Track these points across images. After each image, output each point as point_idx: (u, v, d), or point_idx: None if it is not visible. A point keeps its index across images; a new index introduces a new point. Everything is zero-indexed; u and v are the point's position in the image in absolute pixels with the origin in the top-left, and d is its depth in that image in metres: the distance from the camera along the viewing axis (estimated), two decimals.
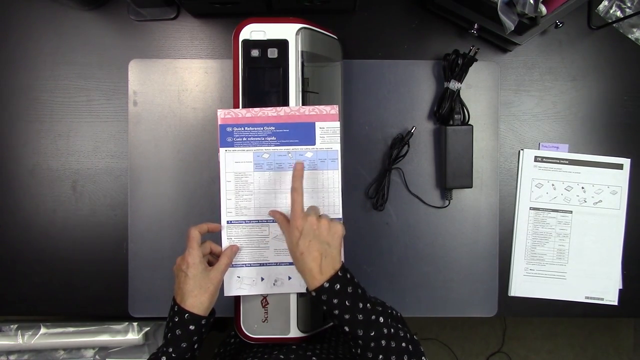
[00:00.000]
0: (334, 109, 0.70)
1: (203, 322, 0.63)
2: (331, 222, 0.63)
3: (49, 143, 0.84)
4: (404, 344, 0.60)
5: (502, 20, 0.71)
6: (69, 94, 0.84)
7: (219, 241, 0.70)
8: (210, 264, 0.67)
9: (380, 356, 0.58)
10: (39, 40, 0.84)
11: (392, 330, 0.60)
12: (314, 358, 0.67)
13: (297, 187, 0.64)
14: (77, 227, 0.84)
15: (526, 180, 0.85)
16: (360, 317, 0.59)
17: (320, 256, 0.60)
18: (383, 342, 0.59)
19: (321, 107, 0.70)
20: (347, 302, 0.60)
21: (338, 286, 0.60)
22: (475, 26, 0.79)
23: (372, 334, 0.59)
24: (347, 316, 0.59)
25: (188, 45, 0.84)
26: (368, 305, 0.61)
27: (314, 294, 0.60)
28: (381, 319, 0.60)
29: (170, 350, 0.61)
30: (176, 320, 0.62)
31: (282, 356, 0.67)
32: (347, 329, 0.59)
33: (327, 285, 0.60)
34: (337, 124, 0.70)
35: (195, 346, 0.63)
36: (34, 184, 0.84)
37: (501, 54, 0.85)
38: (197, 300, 0.62)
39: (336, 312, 0.59)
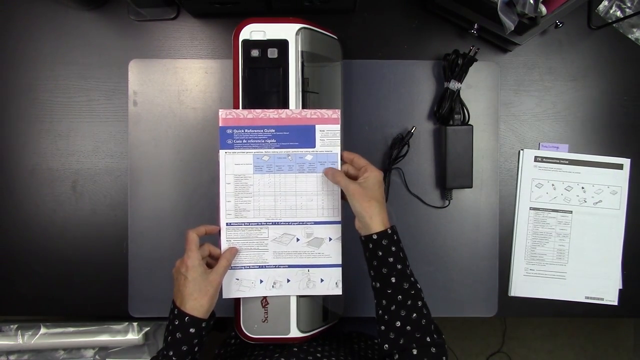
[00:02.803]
0: (335, 113, 0.70)
1: (203, 324, 0.63)
2: None
3: (49, 143, 0.84)
4: (431, 323, 0.63)
5: (502, 20, 0.71)
6: (69, 94, 0.84)
7: (217, 243, 0.70)
8: (209, 265, 0.67)
9: (414, 315, 0.61)
10: (39, 40, 0.83)
11: (425, 302, 0.64)
12: None
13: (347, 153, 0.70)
14: (77, 227, 0.84)
15: (526, 180, 0.85)
16: (408, 272, 0.63)
17: (385, 210, 0.64)
18: (419, 303, 0.62)
19: (323, 111, 0.70)
20: (401, 254, 0.63)
21: (396, 237, 0.64)
22: (475, 26, 0.79)
23: (413, 292, 0.62)
24: (399, 266, 0.62)
25: (188, 45, 0.84)
26: (409, 268, 0.64)
27: (375, 237, 0.62)
28: (418, 285, 0.63)
29: (171, 353, 0.61)
30: (176, 323, 0.62)
31: (282, 358, 0.67)
32: (393, 280, 0.61)
33: (389, 231, 0.63)
34: (338, 126, 0.70)
35: (196, 349, 0.63)
36: (34, 184, 0.84)
37: (501, 54, 0.85)
38: (197, 303, 0.62)
39: (391, 259, 0.62)
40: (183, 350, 0.61)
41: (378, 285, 0.63)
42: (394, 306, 0.61)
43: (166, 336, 0.63)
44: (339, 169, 0.70)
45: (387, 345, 0.60)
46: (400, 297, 0.61)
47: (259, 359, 0.70)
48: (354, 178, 0.67)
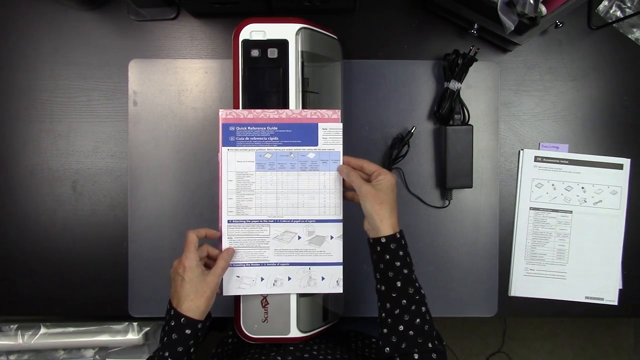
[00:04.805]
0: (335, 114, 0.70)
1: (199, 326, 0.62)
2: None
3: (49, 143, 0.84)
4: (433, 329, 0.63)
5: (502, 20, 0.71)
6: (69, 94, 0.84)
7: (217, 246, 0.70)
8: (208, 267, 0.67)
9: (418, 320, 0.60)
10: (39, 40, 0.84)
11: (428, 308, 0.63)
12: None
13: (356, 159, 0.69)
14: (77, 227, 0.84)
15: (526, 180, 0.85)
16: (414, 277, 0.63)
17: (396, 214, 0.64)
18: (423, 308, 0.62)
19: (323, 111, 0.70)
20: (408, 259, 0.63)
21: (403, 242, 0.64)
22: (475, 26, 0.79)
23: (417, 297, 0.62)
24: (405, 271, 0.62)
25: (188, 45, 0.84)
26: (415, 273, 0.64)
27: (384, 240, 0.62)
28: (422, 291, 0.63)
29: (167, 354, 0.61)
30: (172, 324, 0.62)
31: (279, 357, 0.67)
32: (399, 284, 0.61)
33: (398, 236, 0.63)
34: (340, 125, 0.70)
35: (192, 350, 0.63)
36: (34, 184, 0.84)
37: (501, 54, 0.85)
38: (193, 304, 0.62)
39: (398, 264, 0.62)
40: (178, 351, 0.61)
41: (383, 288, 0.63)
42: (397, 310, 0.61)
43: (162, 337, 0.63)
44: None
45: (388, 349, 0.60)
46: (404, 301, 0.61)
47: (256, 357, 0.70)
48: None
